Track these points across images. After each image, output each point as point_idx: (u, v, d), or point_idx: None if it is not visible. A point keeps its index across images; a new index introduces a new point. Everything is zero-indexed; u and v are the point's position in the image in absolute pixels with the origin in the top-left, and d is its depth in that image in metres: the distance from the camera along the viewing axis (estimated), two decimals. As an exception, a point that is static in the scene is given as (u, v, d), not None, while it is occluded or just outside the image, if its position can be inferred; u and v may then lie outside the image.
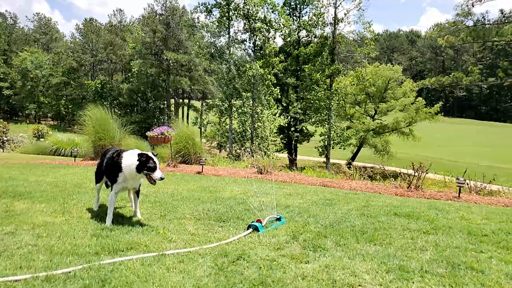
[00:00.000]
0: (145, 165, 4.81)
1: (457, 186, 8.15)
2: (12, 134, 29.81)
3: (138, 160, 4.82)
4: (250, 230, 4.74)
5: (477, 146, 55.51)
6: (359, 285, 3.28)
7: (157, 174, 4.83)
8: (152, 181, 4.89)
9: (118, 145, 14.44)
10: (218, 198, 6.79)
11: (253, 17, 31.88)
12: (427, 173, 9.00)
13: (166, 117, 58.12)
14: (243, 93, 30.34)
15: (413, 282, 3.37)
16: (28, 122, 71.82)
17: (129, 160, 4.92)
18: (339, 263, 3.77)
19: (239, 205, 6.25)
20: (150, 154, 4.89)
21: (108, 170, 5.26)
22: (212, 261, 3.76)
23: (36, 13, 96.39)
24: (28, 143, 27.48)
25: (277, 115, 32.70)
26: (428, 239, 4.64)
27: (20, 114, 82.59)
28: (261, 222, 4.86)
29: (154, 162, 4.84)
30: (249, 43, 34.04)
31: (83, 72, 76.10)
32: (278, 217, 5.29)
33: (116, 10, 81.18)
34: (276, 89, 32.52)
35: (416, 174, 8.88)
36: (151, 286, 3.16)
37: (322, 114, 36.91)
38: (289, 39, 39.27)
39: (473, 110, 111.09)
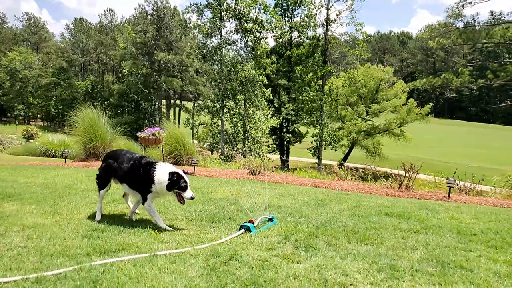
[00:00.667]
0: (176, 184, 4.77)
1: (447, 186, 8.23)
2: (1, 135, 29.55)
3: (169, 180, 4.75)
4: (242, 230, 4.74)
5: (467, 147, 56.04)
6: (351, 284, 3.30)
7: (187, 194, 4.82)
8: (182, 201, 4.88)
9: (109, 146, 14.37)
10: (210, 199, 6.79)
11: (244, 18, 31.88)
12: (417, 173, 9.08)
13: (158, 118, 57.96)
14: (237, 95, 30.32)
15: (403, 281, 3.40)
16: (17, 123, 70.98)
17: (162, 175, 4.81)
18: (331, 262, 3.79)
19: (231, 206, 6.25)
20: (181, 172, 4.83)
21: (135, 177, 5.03)
22: (204, 262, 3.75)
23: (25, 13, 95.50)
24: (17, 144, 27.27)
25: (269, 116, 32.71)
26: (418, 239, 4.68)
27: (9, 115, 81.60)
28: (253, 223, 4.87)
29: (185, 181, 4.80)
30: (241, 43, 34.03)
31: (73, 73, 75.55)
32: (270, 217, 5.31)
33: (107, 10, 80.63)
34: (268, 90, 32.54)
35: (407, 174, 8.95)
36: (143, 287, 3.15)
37: (314, 115, 37.00)
38: (281, 40, 39.31)
39: (463, 111, 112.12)
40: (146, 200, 4.98)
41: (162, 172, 4.85)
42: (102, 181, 5.42)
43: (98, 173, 5.50)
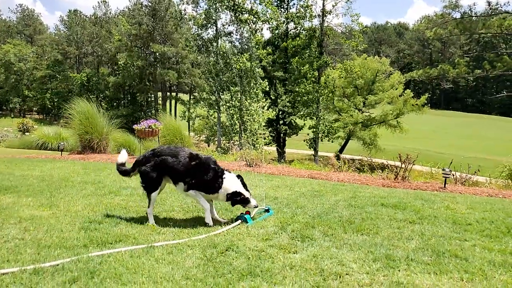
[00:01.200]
0: (239, 203, 4.87)
1: (443, 177, 8.28)
2: (-4, 128, 29.42)
3: (230, 200, 4.83)
4: (239, 221, 4.77)
5: (463, 138, 56.22)
6: (347, 274, 3.33)
7: (252, 203, 4.89)
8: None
9: (105, 138, 14.34)
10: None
11: (239, 9, 31.65)
12: (413, 164, 9.13)
13: (154, 111, 57.84)
14: (231, 87, 30.20)
15: (399, 270, 3.43)
16: (12, 116, 70.68)
17: (230, 187, 4.81)
18: (327, 252, 3.81)
19: (228, 197, 6.26)
20: (241, 190, 4.82)
21: (197, 178, 4.79)
22: (201, 252, 3.77)
23: (19, 4, 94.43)
24: (13, 137, 27.16)
25: (266, 108, 32.63)
26: (414, 229, 4.71)
27: (4, 108, 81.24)
28: (249, 214, 4.89)
29: (247, 197, 4.85)
30: (236, 35, 33.84)
31: (69, 65, 74.98)
32: (267, 208, 5.33)
33: (101, 2, 79.71)
34: (264, 82, 32.42)
35: (403, 165, 8.99)
36: (140, 278, 3.16)
37: (311, 107, 36.95)
38: (277, 31, 39.11)
39: (460, 102, 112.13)
40: (190, 190, 4.87)
41: (230, 183, 4.83)
42: (154, 182, 4.82)
43: (143, 173, 4.84)
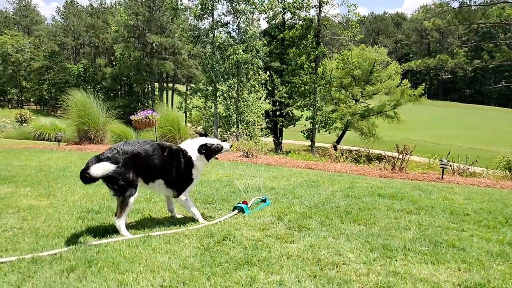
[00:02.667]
0: (212, 152, 4.53)
1: (440, 167, 8.29)
2: (-6, 119, 29.33)
3: (200, 152, 4.42)
4: (236, 211, 4.77)
5: (461, 129, 56.29)
6: (344, 264, 3.34)
7: (226, 146, 4.65)
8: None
9: (103, 129, 14.30)
10: (204, 181, 6.79)
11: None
12: (411, 155, 9.13)
13: (151, 101, 57.73)
14: (230, 80, 30.05)
15: (396, 260, 3.44)
16: (10, 107, 70.37)
17: (195, 151, 4.42)
18: (324, 242, 3.82)
19: (225, 188, 6.28)
20: (208, 140, 4.53)
21: (175, 170, 4.34)
22: (198, 242, 3.78)
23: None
24: (11, 128, 27.12)
25: (262, 99, 32.49)
26: (411, 219, 4.72)
27: (2, 99, 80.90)
28: (246, 204, 4.89)
29: (218, 144, 4.56)
30: (233, 25, 33.58)
31: (65, 56, 74.64)
32: (264, 198, 5.33)
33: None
34: (266, 73, 32.23)
35: (400, 156, 8.99)
36: (137, 267, 3.17)
37: (308, 98, 36.86)
38: (274, 21, 38.91)
39: (458, 93, 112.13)
40: (183, 192, 4.47)
41: (192, 148, 4.44)
42: (133, 183, 4.04)
43: (115, 176, 3.94)
